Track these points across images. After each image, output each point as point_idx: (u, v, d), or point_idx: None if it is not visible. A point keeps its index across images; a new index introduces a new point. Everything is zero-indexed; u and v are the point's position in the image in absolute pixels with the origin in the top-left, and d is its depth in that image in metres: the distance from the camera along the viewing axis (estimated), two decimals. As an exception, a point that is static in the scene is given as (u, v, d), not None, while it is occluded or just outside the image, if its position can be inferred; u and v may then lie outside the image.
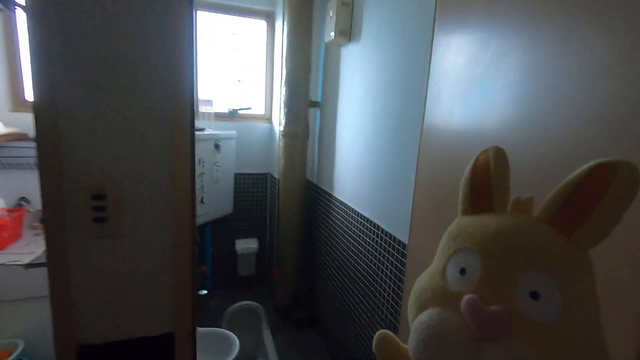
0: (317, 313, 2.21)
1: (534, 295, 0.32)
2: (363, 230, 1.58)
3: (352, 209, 1.70)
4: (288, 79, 2.04)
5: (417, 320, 0.36)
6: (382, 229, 1.41)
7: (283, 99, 2.09)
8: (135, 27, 0.71)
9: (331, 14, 1.74)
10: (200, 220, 2.14)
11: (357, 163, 1.66)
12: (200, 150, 2.03)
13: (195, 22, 2.06)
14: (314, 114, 2.23)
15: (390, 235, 1.35)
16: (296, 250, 2.23)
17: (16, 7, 1.45)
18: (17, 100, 1.93)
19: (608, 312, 0.34)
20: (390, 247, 1.35)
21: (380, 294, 1.43)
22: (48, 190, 0.71)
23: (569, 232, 0.33)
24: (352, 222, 1.71)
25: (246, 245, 2.56)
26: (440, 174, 0.90)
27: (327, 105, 2.07)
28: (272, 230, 2.61)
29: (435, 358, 0.34)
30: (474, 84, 0.73)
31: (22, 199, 1.86)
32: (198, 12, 2.31)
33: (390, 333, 0.52)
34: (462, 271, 0.36)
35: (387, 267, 1.37)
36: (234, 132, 2.36)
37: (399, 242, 1.29)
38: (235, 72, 2.53)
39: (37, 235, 1.72)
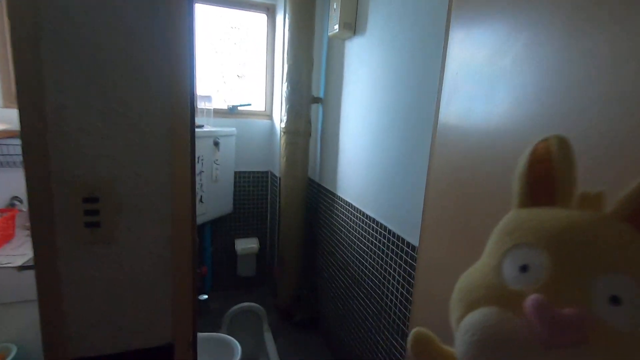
0: (320, 314, 2.16)
1: (615, 300, 0.28)
2: (368, 231, 1.53)
3: (357, 209, 1.64)
4: (290, 74, 1.97)
5: (468, 320, 0.32)
6: (390, 230, 1.35)
7: (284, 94, 2.02)
8: (131, 16, 0.65)
9: (335, 6, 1.68)
10: (199, 220, 2.08)
11: (362, 161, 1.60)
12: (199, 148, 1.97)
13: (194, 14, 2.00)
14: (316, 111, 2.17)
15: (399, 237, 1.29)
16: (298, 250, 2.18)
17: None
18: (9, 96, 1.86)
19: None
20: (398, 250, 1.30)
21: (387, 297, 1.38)
22: (35, 192, 0.65)
23: None
24: (356, 222, 1.66)
25: (246, 245, 2.50)
26: (457, 175, 0.85)
27: (329, 102, 2.01)
28: (272, 229, 2.56)
29: None
30: (500, 77, 0.67)
31: (15, 198, 1.80)
32: (197, 4, 2.24)
33: (429, 331, 0.47)
34: (523, 268, 0.32)
35: (394, 270, 1.32)
36: (233, 129, 2.30)
37: (408, 245, 1.23)
38: (234, 67, 2.46)
39: (30, 236, 1.65)
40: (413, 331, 0.47)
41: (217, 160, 2.13)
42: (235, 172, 2.44)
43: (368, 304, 1.55)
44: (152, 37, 0.67)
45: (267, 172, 2.60)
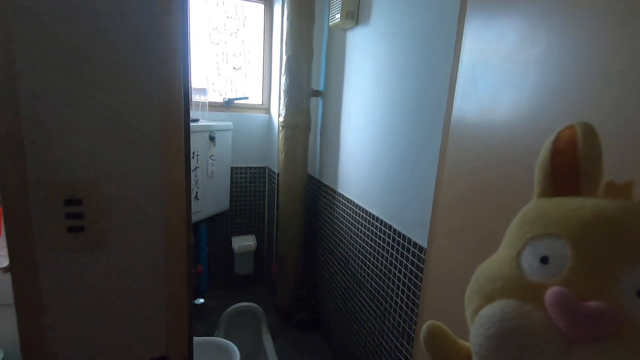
0: (320, 315, 2.11)
1: None
2: (372, 230, 1.47)
3: (359, 207, 1.58)
4: (289, 65, 1.89)
5: (485, 312, 0.31)
6: (395, 230, 1.29)
7: (283, 87, 1.95)
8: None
9: (337, -5, 1.60)
10: (194, 218, 2.01)
11: (365, 157, 1.53)
12: (194, 143, 1.90)
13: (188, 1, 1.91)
14: (316, 104, 2.09)
15: (404, 237, 1.24)
16: (297, 248, 2.12)
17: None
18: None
19: None
20: (404, 250, 1.24)
21: (391, 299, 1.32)
22: (9, 194, 0.57)
23: None
24: (358, 221, 1.60)
25: (243, 242, 2.44)
26: (478, 174, 0.79)
27: (330, 95, 1.93)
28: (270, 227, 2.49)
29: (510, 356, 0.28)
30: (529, 66, 0.61)
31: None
32: (190, -7, 2.14)
33: (442, 325, 0.46)
34: (544, 260, 0.31)
35: (400, 271, 1.27)
36: (230, 123, 2.22)
37: (415, 245, 1.17)
38: (231, 59, 2.37)
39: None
40: (427, 324, 0.45)
41: (212, 155, 2.05)
42: (232, 168, 2.36)
43: (371, 305, 1.49)
44: (142, 22, 0.59)
45: (264, 168, 2.53)
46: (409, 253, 1.21)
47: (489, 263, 0.36)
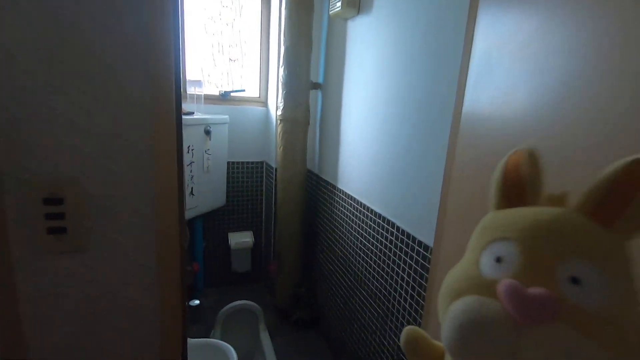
0: (320, 313, 2.07)
1: (575, 281, 0.32)
2: (374, 227, 1.42)
3: (360, 203, 1.53)
4: (287, 57, 1.83)
5: (452, 308, 0.36)
6: (399, 228, 1.25)
7: (281, 79, 1.88)
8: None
9: (338, -18, 1.53)
10: (190, 214, 1.96)
11: (366, 152, 1.48)
12: (189, 137, 1.83)
13: (181, -11, 1.83)
14: (315, 97, 2.03)
15: (409, 235, 1.19)
16: (296, 245, 2.07)
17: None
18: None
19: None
20: (408, 249, 1.19)
21: (395, 299, 1.28)
22: (-20, 193, 0.52)
23: (607, 224, 0.33)
24: (360, 218, 1.55)
25: (240, 239, 2.38)
26: (489, 171, 0.73)
27: (330, 88, 1.87)
28: (268, 223, 2.44)
29: (473, 344, 0.33)
30: (551, 55, 0.55)
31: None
32: (184, -20, 2.06)
33: (419, 329, 0.52)
34: (498, 260, 0.36)
35: (404, 271, 1.22)
36: (226, 117, 2.15)
37: (420, 244, 1.13)
38: (227, 50, 2.29)
39: None
40: (405, 330, 0.51)
41: (208, 150, 1.99)
42: (228, 163, 2.30)
43: (373, 304, 1.45)
44: (128, 6, 0.53)
45: (262, 163, 2.47)
46: (413, 252, 1.17)
47: (455, 268, 0.41)
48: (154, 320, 0.67)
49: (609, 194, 0.33)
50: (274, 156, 2.15)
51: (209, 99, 2.23)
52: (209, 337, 1.85)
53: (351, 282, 1.65)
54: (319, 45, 1.95)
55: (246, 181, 2.47)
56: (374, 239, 1.43)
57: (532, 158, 0.38)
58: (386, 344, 1.35)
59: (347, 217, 1.68)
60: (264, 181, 2.50)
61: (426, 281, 1.10)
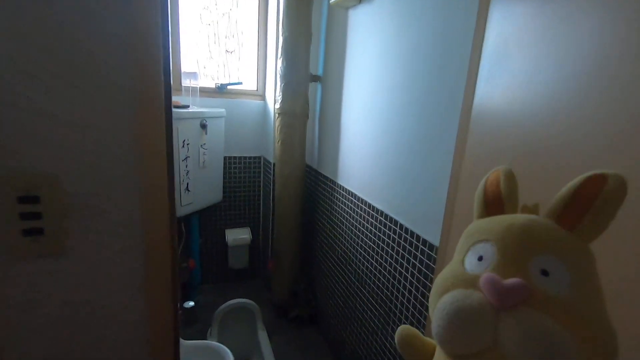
0: (319, 311, 2.03)
1: (544, 273, 0.38)
2: (375, 225, 1.38)
3: (361, 199, 1.48)
4: (286, 48, 1.76)
5: (440, 301, 0.42)
6: (402, 226, 1.20)
7: (279, 72, 1.82)
8: None
9: (339, -31, 1.46)
10: (186, 210, 1.90)
11: (368, 147, 1.43)
12: (185, 131, 1.77)
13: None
14: (314, 90, 1.97)
15: (412, 234, 1.14)
16: (294, 242, 2.03)
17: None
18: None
19: (617, 307, 0.38)
20: (412, 247, 1.15)
21: (397, 299, 1.24)
22: (-57, 191, 0.46)
23: (571, 228, 0.40)
24: (360, 214, 1.50)
25: (237, 235, 2.33)
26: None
27: (330, 80, 1.81)
28: (265, 219, 2.39)
29: (459, 329, 0.39)
30: (573, 44, 0.50)
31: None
32: (179, -33, 1.98)
33: (412, 328, 0.57)
34: (480, 258, 0.43)
35: (407, 270, 1.18)
36: (222, 110, 2.09)
37: (425, 243, 1.08)
38: (223, 41, 2.22)
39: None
40: (399, 328, 0.57)
41: (204, 144, 1.93)
42: (225, 158, 2.24)
43: (374, 304, 1.41)
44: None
45: (259, 158, 2.41)
46: (417, 251, 1.12)
47: (445, 269, 0.47)
48: (142, 327, 0.62)
49: (572, 202, 0.39)
50: (271, 151, 2.10)
51: (204, 91, 2.16)
52: (205, 336, 1.81)
53: (351, 279, 1.60)
54: (318, 36, 1.89)
55: (243, 176, 2.41)
56: (374, 237, 1.39)
57: (509, 176, 0.46)
58: (387, 344, 1.31)
59: (347, 214, 1.63)
60: (262, 176, 2.44)
61: (431, 282, 1.06)
